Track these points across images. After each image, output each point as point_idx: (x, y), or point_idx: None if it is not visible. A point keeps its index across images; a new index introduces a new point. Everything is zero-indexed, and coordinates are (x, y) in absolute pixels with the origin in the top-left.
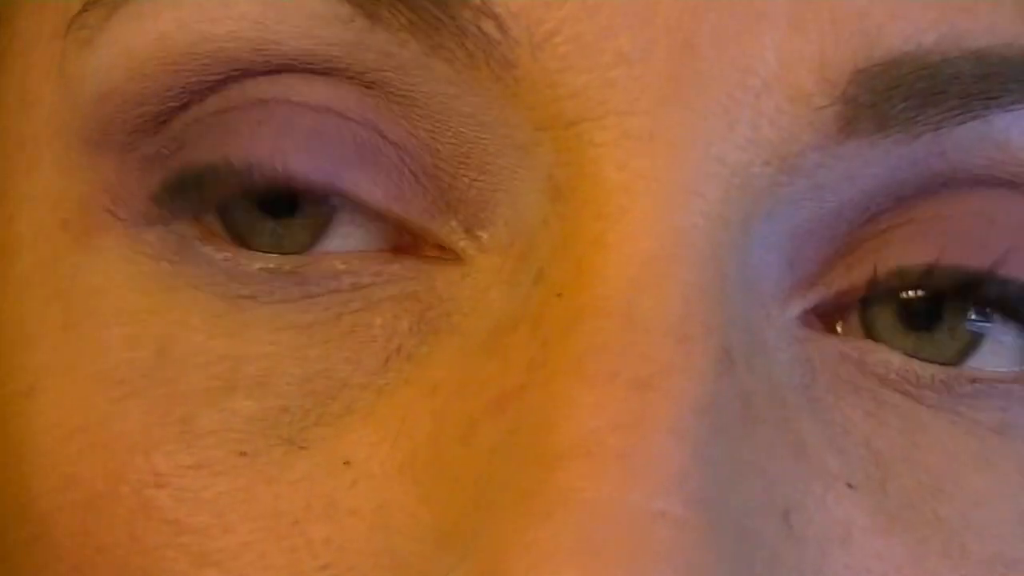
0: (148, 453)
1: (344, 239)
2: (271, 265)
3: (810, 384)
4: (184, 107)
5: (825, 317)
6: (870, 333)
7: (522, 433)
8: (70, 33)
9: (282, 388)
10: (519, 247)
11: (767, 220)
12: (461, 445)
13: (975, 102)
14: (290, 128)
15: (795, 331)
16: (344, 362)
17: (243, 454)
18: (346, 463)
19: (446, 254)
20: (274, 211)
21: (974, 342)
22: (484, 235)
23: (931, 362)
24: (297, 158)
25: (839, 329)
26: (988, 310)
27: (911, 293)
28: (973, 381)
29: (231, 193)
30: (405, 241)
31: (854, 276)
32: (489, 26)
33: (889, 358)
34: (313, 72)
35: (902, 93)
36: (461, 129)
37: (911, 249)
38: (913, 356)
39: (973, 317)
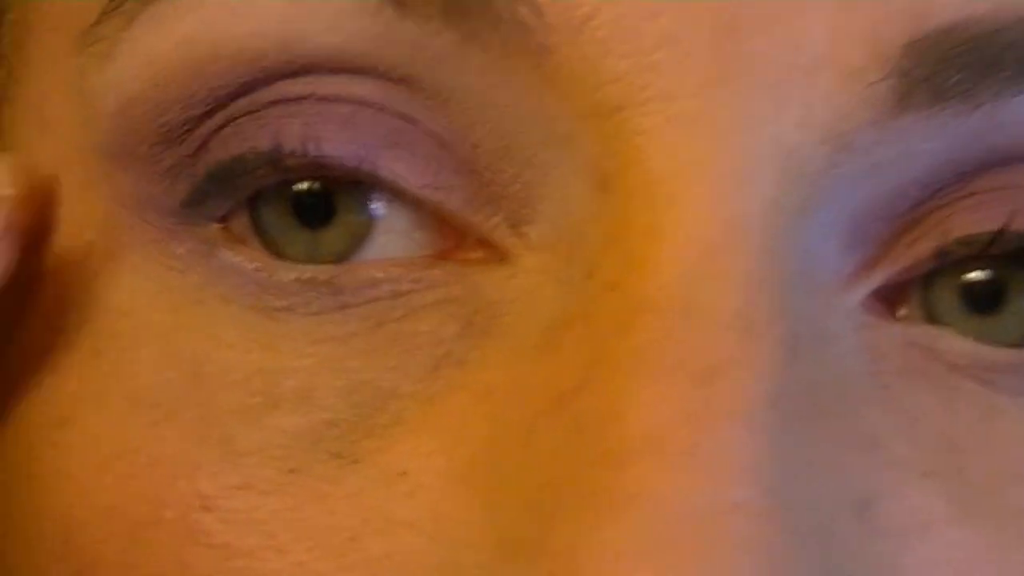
0: (191, 476)
1: (382, 248)
2: (306, 275)
3: (876, 372)
4: (208, 114)
5: (887, 300)
6: (932, 317)
7: (584, 432)
8: (86, 48)
9: (326, 401)
10: (568, 243)
11: (824, 204)
12: (521, 449)
13: None
14: (322, 117)
15: (858, 318)
16: (389, 371)
17: (291, 471)
18: (402, 474)
19: (491, 254)
20: (309, 221)
21: None
22: (531, 232)
23: (999, 345)
24: (330, 143)
25: (902, 313)
26: None
27: (974, 275)
28: None
29: (262, 187)
30: (447, 245)
31: (918, 250)
32: (524, 12)
33: (956, 344)
34: (341, 71)
35: (956, 64)
36: (500, 122)
37: (974, 220)
38: (980, 341)
39: None
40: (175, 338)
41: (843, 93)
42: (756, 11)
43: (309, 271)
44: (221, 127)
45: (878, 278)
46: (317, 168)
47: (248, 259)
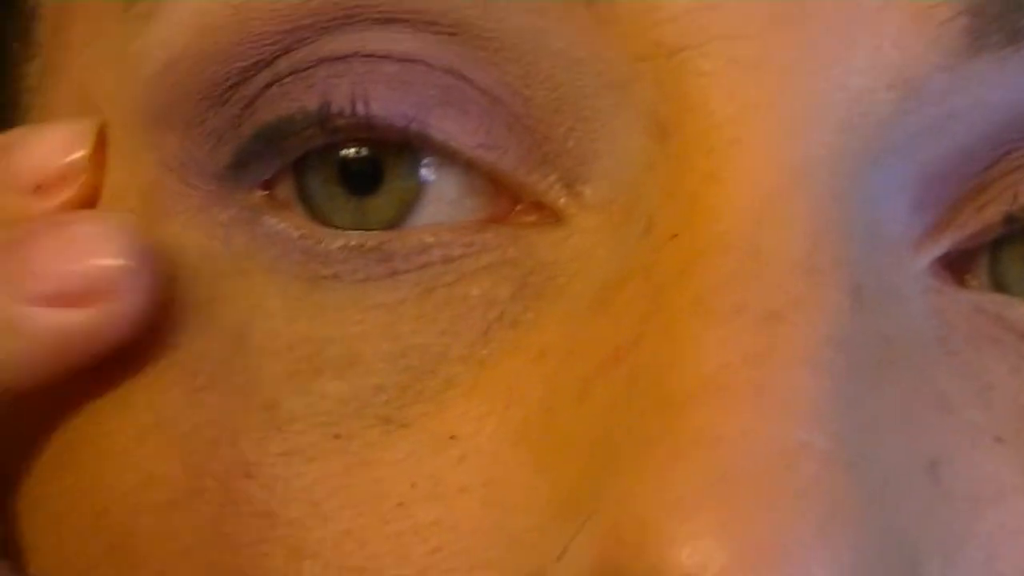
0: (233, 443)
1: (432, 216)
2: (353, 242)
3: (946, 337)
4: (254, 68)
5: (954, 267)
6: (1000, 286)
7: (642, 383)
8: (130, 10)
9: (374, 366)
10: (624, 198)
11: (893, 155)
12: (575, 408)
13: None
14: (370, 75)
15: (926, 281)
16: (439, 335)
17: (337, 437)
18: (452, 438)
19: (545, 217)
20: (356, 188)
21: None
22: (586, 190)
23: None
24: (379, 103)
25: (970, 282)
26: None
27: None
28: None
29: (309, 151)
30: (499, 209)
31: (987, 215)
32: None
33: None
34: (392, 20)
35: None
36: (553, 71)
37: None
38: None
39: None
40: (217, 307)
41: (913, 33)
42: None
43: (356, 237)
44: (267, 86)
45: (945, 243)
46: (366, 129)
47: (293, 226)
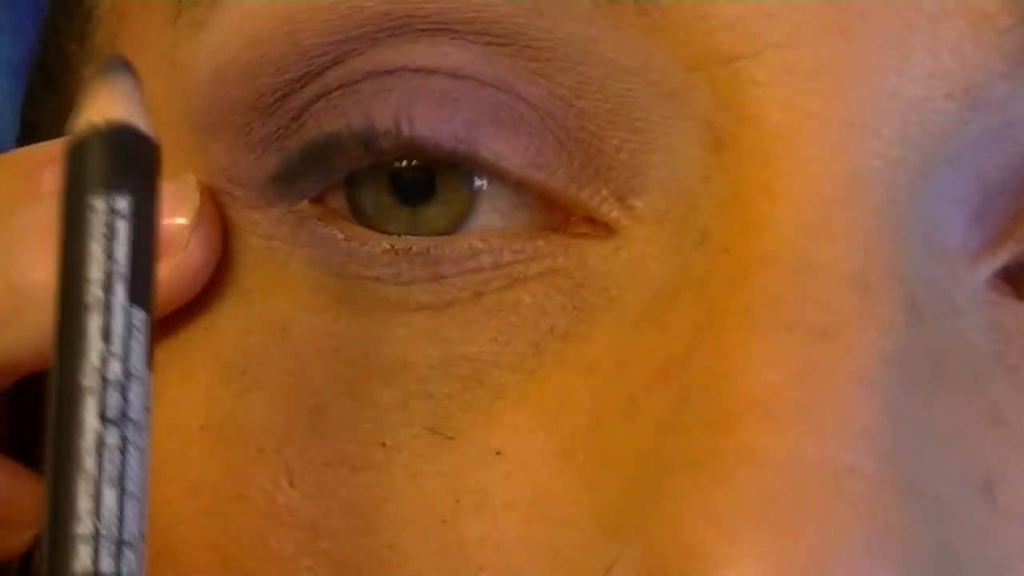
0: (278, 449)
1: (485, 226)
2: (400, 246)
3: (1003, 351)
4: (303, 80)
5: (1015, 282)
6: None
7: (690, 399)
8: (181, 17)
9: (422, 373)
10: (679, 211)
11: (951, 165)
12: (624, 423)
13: None
14: (418, 92)
15: (983, 295)
16: (489, 343)
17: (383, 446)
18: (498, 453)
19: (597, 229)
20: (409, 199)
21: None
22: (639, 203)
23: None
24: (426, 123)
25: None
26: None
27: None
28: None
29: (357, 168)
30: (553, 220)
31: None
32: None
33: None
34: (441, 31)
35: None
36: (605, 81)
37: None
38: None
39: None
40: (260, 301)
41: (973, 41)
42: None
43: (404, 241)
44: (315, 99)
45: (1004, 256)
46: (411, 150)
47: (339, 229)
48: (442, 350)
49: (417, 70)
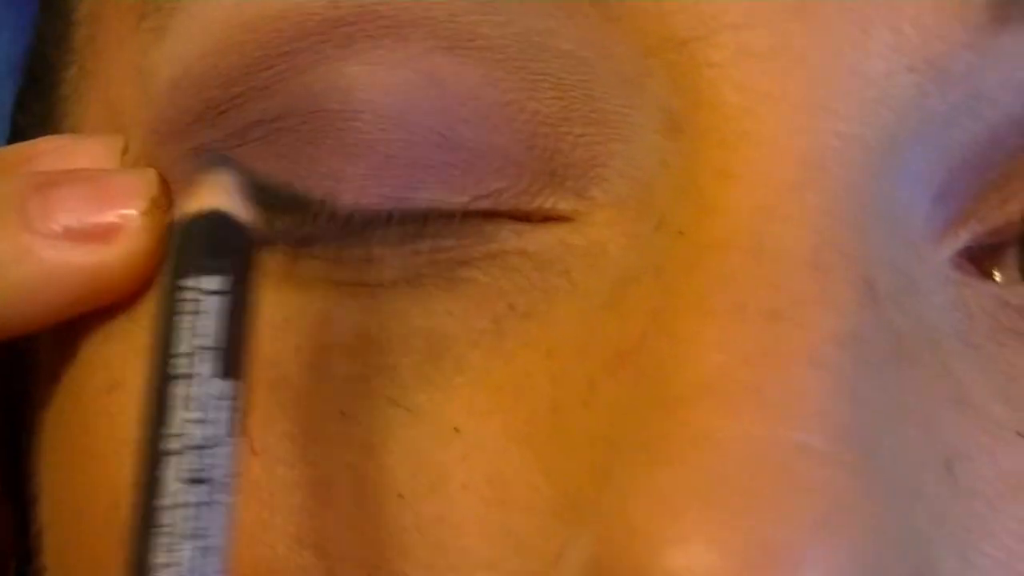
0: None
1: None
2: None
3: (967, 330)
4: (246, 95)
5: (978, 261)
6: None
7: (644, 384)
8: (145, 22)
9: (381, 346)
10: (638, 197)
11: (915, 141)
12: (581, 408)
13: None
14: (351, 156)
15: (948, 273)
16: (446, 316)
17: (342, 416)
18: (456, 430)
19: (558, 215)
20: None
21: None
22: (598, 194)
23: None
24: (352, 195)
25: (997, 276)
26: None
27: None
28: None
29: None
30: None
31: (1010, 210)
32: None
33: None
34: (387, 35)
35: None
36: (562, 75)
37: None
38: None
39: None
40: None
41: (933, 11)
42: None
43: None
44: (257, 123)
45: (966, 236)
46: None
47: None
48: (399, 324)
49: (349, 115)
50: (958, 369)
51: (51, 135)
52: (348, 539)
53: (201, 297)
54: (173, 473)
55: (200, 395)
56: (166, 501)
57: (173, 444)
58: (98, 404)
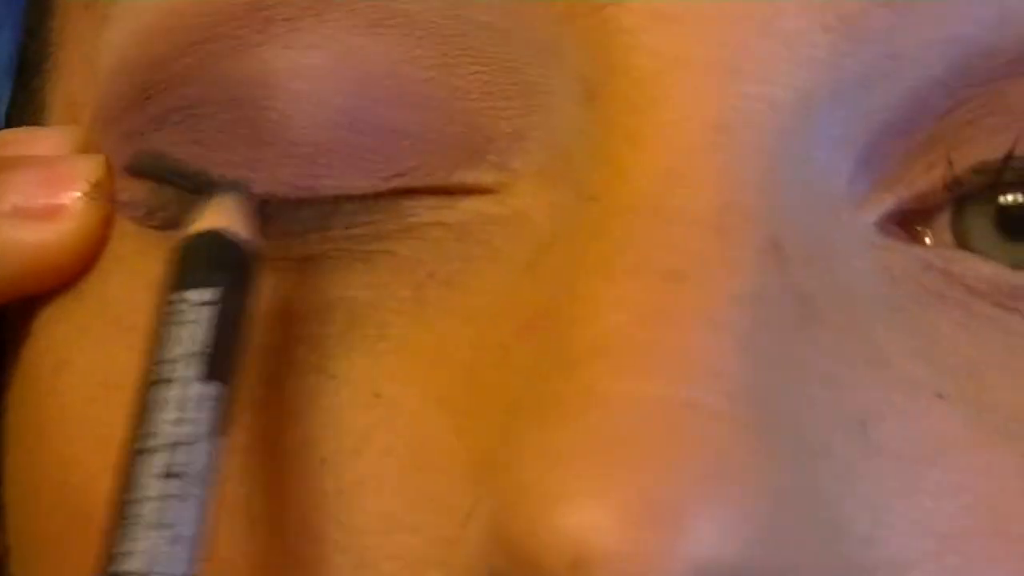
0: None
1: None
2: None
3: (889, 294)
4: (168, 83)
5: (907, 225)
6: (964, 243)
7: (548, 345)
8: (92, 9)
9: (303, 316)
10: (558, 165)
11: (832, 103)
12: (496, 370)
13: None
14: (262, 143)
15: (872, 238)
16: (365, 288)
17: (267, 383)
18: (377, 395)
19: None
20: None
21: None
22: (519, 164)
23: None
24: (272, 178)
25: (928, 240)
26: None
27: (1011, 198)
28: None
29: None
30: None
31: (935, 176)
32: None
33: (979, 268)
34: (305, 16)
35: None
36: (482, 47)
37: (997, 142)
38: (1016, 267)
39: None
40: (139, 264)
41: None
42: None
43: None
44: (174, 110)
45: (891, 201)
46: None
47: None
48: (319, 296)
49: (261, 105)
50: (876, 331)
51: (14, 128)
52: (272, 503)
53: (189, 308)
54: (146, 469)
55: (179, 397)
56: (136, 495)
57: (149, 442)
58: (47, 384)
